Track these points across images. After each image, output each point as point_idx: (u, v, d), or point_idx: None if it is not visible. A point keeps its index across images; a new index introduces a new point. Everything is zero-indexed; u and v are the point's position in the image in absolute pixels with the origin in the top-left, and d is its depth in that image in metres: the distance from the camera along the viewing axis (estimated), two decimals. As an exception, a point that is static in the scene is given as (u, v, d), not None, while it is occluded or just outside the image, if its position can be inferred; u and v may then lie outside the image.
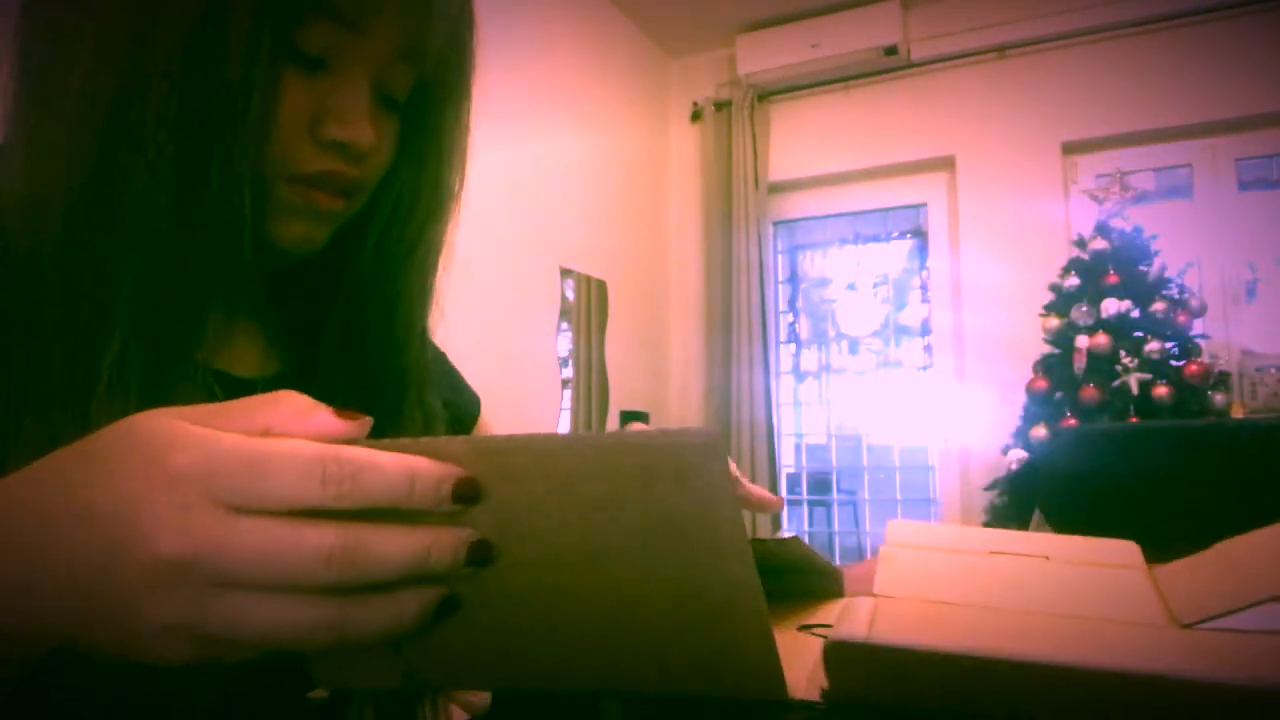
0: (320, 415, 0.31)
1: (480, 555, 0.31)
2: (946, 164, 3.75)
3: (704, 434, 0.30)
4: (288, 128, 0.49)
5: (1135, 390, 2.82)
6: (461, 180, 0.60)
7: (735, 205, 3.91)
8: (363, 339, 0.58)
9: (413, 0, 0.50)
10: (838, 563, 0.69)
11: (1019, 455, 2.98)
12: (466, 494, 0.31)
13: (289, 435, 0.30)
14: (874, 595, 0.49)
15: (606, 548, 0.32)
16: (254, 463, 0.29)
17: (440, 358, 0.74)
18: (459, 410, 0.73)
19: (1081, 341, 2.93)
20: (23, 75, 0.48)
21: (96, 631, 0.29)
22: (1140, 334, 2.92)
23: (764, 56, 3.84)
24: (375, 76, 0.51)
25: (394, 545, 0.30)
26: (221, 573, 0.28)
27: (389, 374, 0.59)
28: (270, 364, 0.60)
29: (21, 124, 0.47)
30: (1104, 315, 2.93)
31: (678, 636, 0.33)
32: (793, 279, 4.20)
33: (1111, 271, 2.98)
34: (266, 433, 0.30)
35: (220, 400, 0.33)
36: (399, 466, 0.30)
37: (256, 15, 0.45)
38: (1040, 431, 2.95)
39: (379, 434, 0.54)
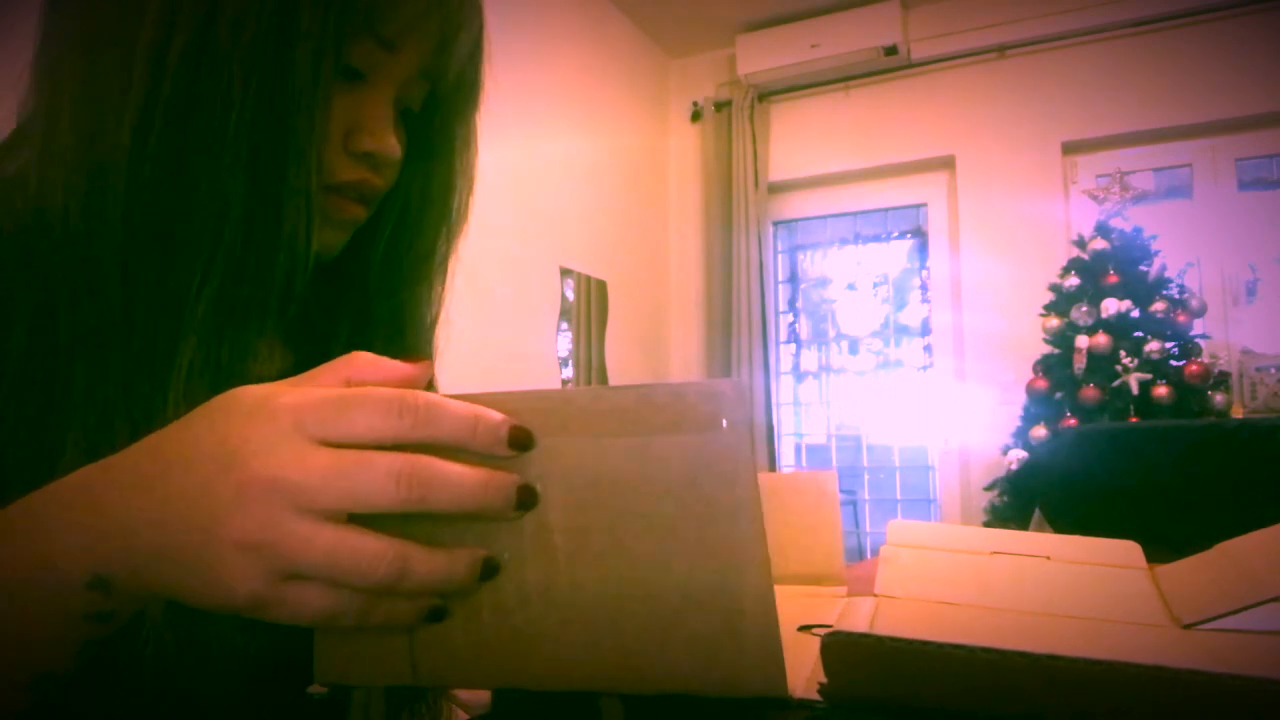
0: (390, 361, 0.35)
1: (528, 499, 0.33)
2: (946, 164, 3.75)
3: (730, 383, 0.32)
4: (329, 139, 0.50)
5: (1135, 390, 2.82)
6: (470, 189, 0.61)
7: (735, 205, 3.91)
8: (368, 347, 0.59)
9: (442, 22, 0.52)
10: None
11: (1019, 455, 2.98)
12: (522, 440, 0.33)
13: (367, 384, 0.34)
14: (875, 595, 0.49)
15: (632, 510, 0.33)
16: (340, 401, 0.32)
17: None
18: None
19: (1081, 341, 2.93)
20: (59, 69, 0.47)
21: (179, 563, 0.32)
22: (1140, 334, 2.92)
23: (764, 56, 3.84)
24: (399, 92, 0.53)
25: (457, 472, 0.32)
26: (301, 495, 0.31)
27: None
28: (285, 368, 0.60)
29: (62, 118, 0.47)
30: (1104, 315, 2.93)
31: (685, 612, 0.34)
32: (793, 279, 4.20)
33: (1111, 271, 2.98)
34: (348, 384, 0.34)
35: None
36: (465, 409, 0.33)
37: (320, 31, 0.46)
38: (1040, 431, 2.95)
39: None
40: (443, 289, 0.62)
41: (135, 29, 0.45)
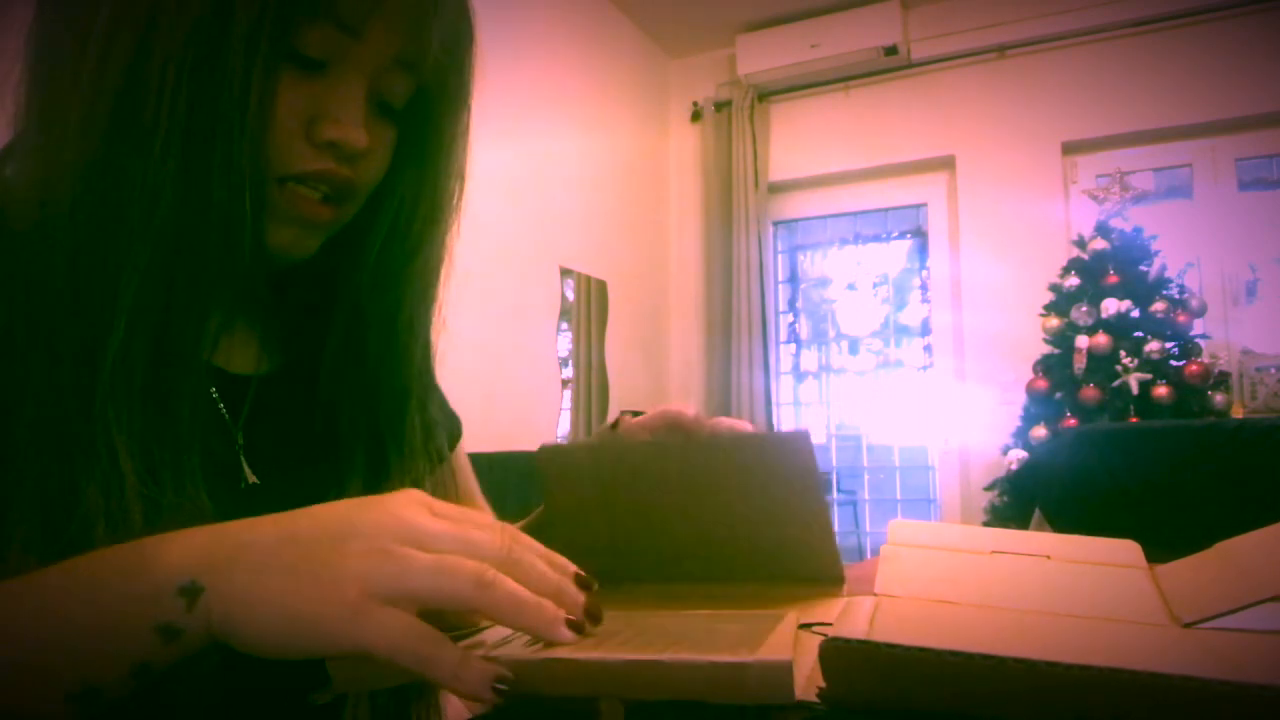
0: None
1: (578, 629, 0.38)
2: (946, 164, 3.75)
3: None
4: (284, 128, 0.49)
5: (1135, 390, 2.82)
6: (461, 189, 0.60)
7: (735, 205, 3.91)
8: (364, 348, 0.59)
9: (410, 8, 0.51)
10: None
11: (1019, 455, 2.98)
12: (594, 615, 0.39)
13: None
14: (875, 595, 0.49)
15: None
16: (462, 515, 0.39)
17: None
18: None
19: (1081, 341, 2.93)
20: (34, 70, 0.48)
21: (289, 572, 0.35)
22: (1140, 334, 2.92)
23: (764, 56, 3.84)
24: (372, 82, 0.52)
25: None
26: (416, 533, 0.37)
27: (391, 384, 0.59)
28: (264, 363, 0.61)
29: (32, 117, 0.48)
30: (1104, 315, 2.93)
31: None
32: (793, 279, 4.20)
33: (1111, 271, 2.98)
34: None
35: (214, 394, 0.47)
36: (551, 577, 0.39)
37: (258, 14, 0.46)
38: (1040, 431, 2.95)
39: (379, 442, 0.56)
40: (438, 290, 0.61)
41: (90, 24, 0.46)
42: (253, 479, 0.55)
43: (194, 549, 0.36)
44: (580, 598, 0.39)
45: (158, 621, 0.35)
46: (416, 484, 0.60)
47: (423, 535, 0.36)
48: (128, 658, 0.35)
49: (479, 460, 0.80)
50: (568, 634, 0.36)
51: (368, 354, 0.59)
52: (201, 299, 0.48)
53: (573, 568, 0.41)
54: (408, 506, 0.38)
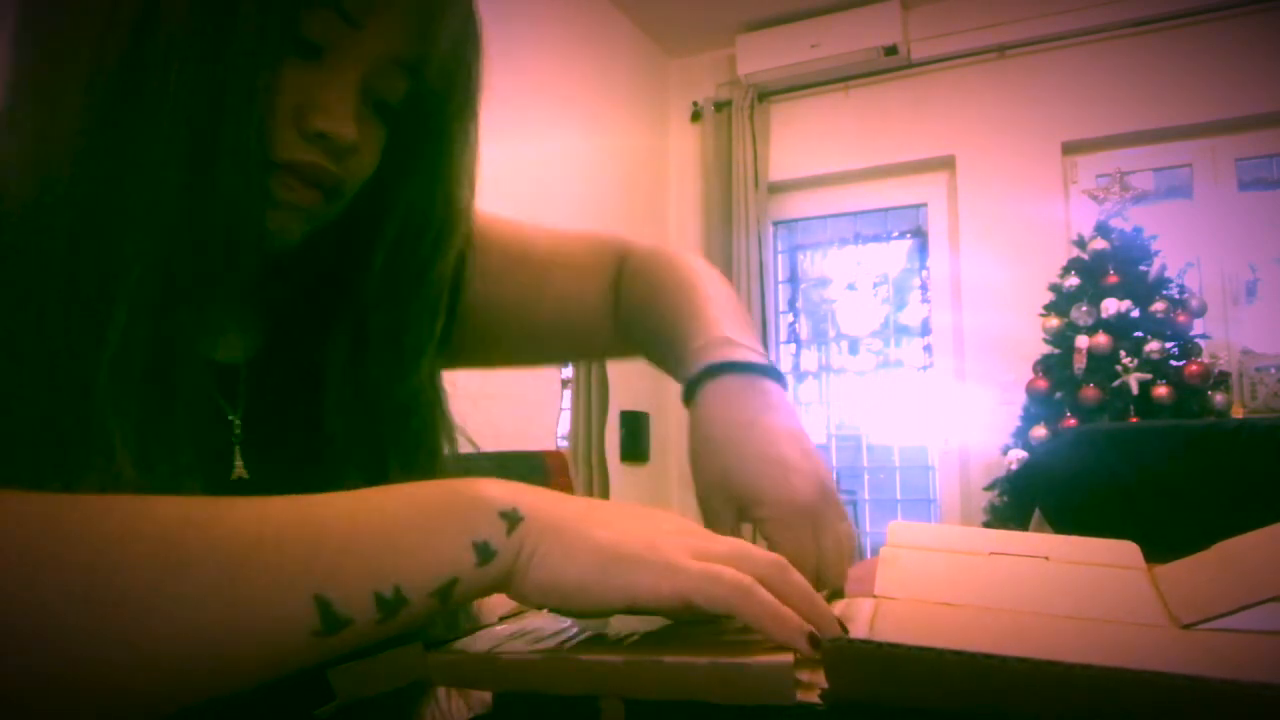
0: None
1: (815, 643, 0.37)
2: (946, 164, 3.75)
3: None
4: (278, 113, 0.48)
5: (1135, 390, 2.82)
6: (471, 200, 0.59)
7: (735, 205, 3.91)
8: (366, 364, 0.57)
9: (414, 7, 0.50)
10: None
11: (1019, 455, 2.98)
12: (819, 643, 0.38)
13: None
14: (874, 596, 0.49)
15: None
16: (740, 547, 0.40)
17: None
18: None
19: (1081, 341, 2.93)
20: (25, 43, 0.47)
21: (609, 514, 0.40)
22: (1140, 334, 2.92)
23: (764, 56, 3.84)
24: (367, 77, 0.51)
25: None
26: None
27: (395, 399, 0.58)
28: (245, 348, 0.59)
29: (21, 97, 0.47)
30: (1104, 315, 2.94)
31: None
32: (793, 279, 4.20)
33: (1111, 271, 2.98)
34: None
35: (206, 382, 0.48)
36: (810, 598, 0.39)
37: None
38: (1040, 431, 2.95)
39: (383, 459, 0.57)
40: (443, 312, 0.59)
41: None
42: (242, 472, 0.54)
43: (508, 485, 0.38)
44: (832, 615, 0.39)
45: (477, 536, 0.36)
46: None
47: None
48: (440, 567, 0.35)
49: (479, 460, 0.80)
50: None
51: (369, 370, 0.57)
52: (205, 286, 0.47)
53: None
54: (679, 519, 0.41)
